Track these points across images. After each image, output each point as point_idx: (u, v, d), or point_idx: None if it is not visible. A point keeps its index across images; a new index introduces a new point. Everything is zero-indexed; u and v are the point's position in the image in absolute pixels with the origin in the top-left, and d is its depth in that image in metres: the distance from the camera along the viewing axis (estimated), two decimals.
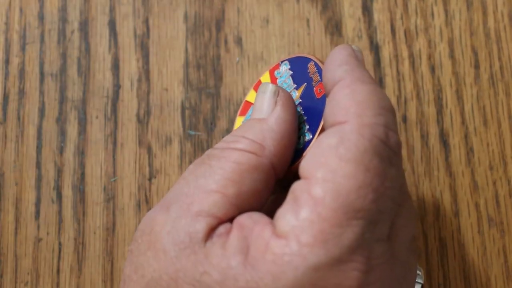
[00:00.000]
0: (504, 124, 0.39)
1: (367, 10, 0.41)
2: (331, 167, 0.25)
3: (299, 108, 0.31)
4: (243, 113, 0.33)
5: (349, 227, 0.25)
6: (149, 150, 0.40)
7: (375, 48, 0.40)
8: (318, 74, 0.31)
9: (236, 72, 0.40)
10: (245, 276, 0.25)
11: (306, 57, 0.32)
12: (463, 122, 0.39)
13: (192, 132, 0.40)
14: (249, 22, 0.41)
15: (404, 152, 0.39)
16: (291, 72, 0.32)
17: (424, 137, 0.39)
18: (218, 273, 0.25)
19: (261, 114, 0.30)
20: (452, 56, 0.40)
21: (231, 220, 0.27)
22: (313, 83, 0.31)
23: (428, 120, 0.39)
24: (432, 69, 0.40)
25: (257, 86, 0.33)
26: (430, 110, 0.39)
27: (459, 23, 0.40)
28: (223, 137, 0.39)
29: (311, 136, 0.30)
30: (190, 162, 0.39)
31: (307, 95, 0.31)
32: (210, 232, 0.26)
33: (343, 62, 0.29)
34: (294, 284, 0.24)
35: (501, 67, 0.40)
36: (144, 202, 0.39)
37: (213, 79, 0.40)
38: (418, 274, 0.32)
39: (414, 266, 0.29)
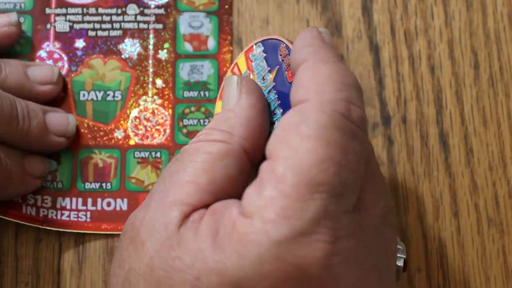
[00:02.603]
0: (504, 125, 0.39)
1: (367, 10, 0.41)
2: (292, 145, 0.26)
3: (273, 93, 0.31)
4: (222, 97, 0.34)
5: (311, 201, 0.25)
6: None
7: (375, 49, 0.40)
8: (288, 57, 0.31)
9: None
10: (214, 258, 0.25)
11: (278, 39, 0.32)
12: (462, 122, 0.39)
13: None
14: (249, 23, 0.41)
15: (403, 152, 0.39)
16: (264, 55, 0.33)
17: (424, 138, 0.39)
18: (188, 256, 0.26)
19: (229, 105, 0.31)
20: (451, 56, 0.40)
21: (207, 207, 0.28)
22: (284, 66, 0.31)
23: (427, 121, 0.39)
24: (432, 69, 0.40)
25: (234, 69, 0.34)
26: (430, 111, 0.39)
27: (458, 24, 0.40)
28: None
29: None
30: None
31: (280, 79, 0.31)
32: (184, 218, 0.27)
33: (307, 44, 0.30)
34: (258, 260, 0.25)
35: (500, 68, 0.40)
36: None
37: None
38: (400, 249, 0.32)
39: (391, 239, 0.29)
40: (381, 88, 0.40)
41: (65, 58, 0.40)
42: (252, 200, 0.26)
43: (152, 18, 0.40)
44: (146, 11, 0.40)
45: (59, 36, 0.40)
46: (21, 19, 0.40)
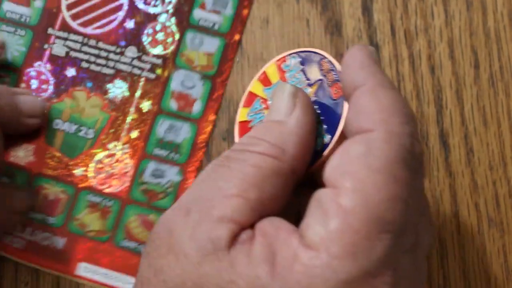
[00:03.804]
0: (504, 124, 0.39)
1: (367, 10, 0.41)
2: (360, 177, 0.25)
3: (315, 107, 0.30)
4: (247, 105, 0.32)
5: (379, 240, 0.24)
6: None
7: (375, 48, 0.40)
8: (333, 73, 0.30)
9: (236, 73, 0.40)
10: (274, 287, 0.24)
11: (319, 53, 0.31)
12: (463, 122, 0.39)
13: None
14: (249, 23, 0.41)
15: None
16: (302, 67, 0.31)
17: (424, 138, 0.39)
18: (245, 282, 0.24)
19: (279, 115, 0.29)
20: (452, 56, 0.40)
21: (252, 226, 0.26)
22: (328, 82, 0.30)
23: (428, 121, 0.39)
24: (432, 69, 0.40)
25: (262, 77, 0.32)
26: (430, 111, 0.39)
27: (459, 23, 0.40)
28: (223, 137, 0.39)
29: (329, 138, 0.29)
30: None
31: (323, 94, 0.30)
32: (233, 238, 0.26)
33: (364, 65, 0.28)
34: None
35: (500, 67, 0.40)
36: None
37: None
38: None
39: (426, 270, 0.29)
40: None
41: (52, 82, 0.39)
42: (317, 231, 0.25)
43: (148, 66, 0.39)
44: (144, 57, 0.39)
45: (53, 59, 0.39)
46: (22, 32, 0.39)
